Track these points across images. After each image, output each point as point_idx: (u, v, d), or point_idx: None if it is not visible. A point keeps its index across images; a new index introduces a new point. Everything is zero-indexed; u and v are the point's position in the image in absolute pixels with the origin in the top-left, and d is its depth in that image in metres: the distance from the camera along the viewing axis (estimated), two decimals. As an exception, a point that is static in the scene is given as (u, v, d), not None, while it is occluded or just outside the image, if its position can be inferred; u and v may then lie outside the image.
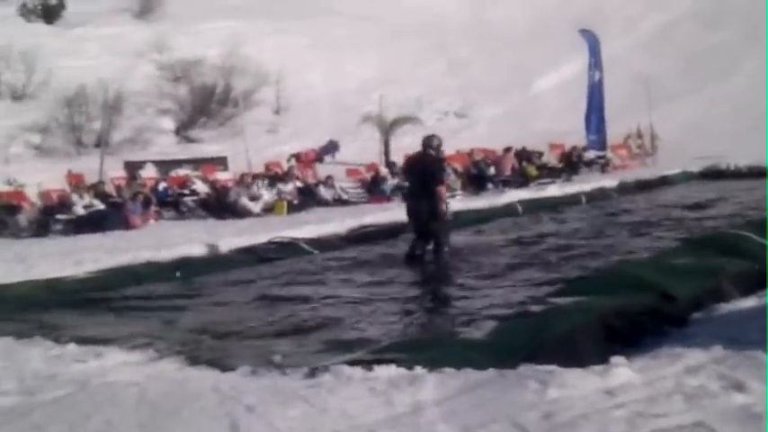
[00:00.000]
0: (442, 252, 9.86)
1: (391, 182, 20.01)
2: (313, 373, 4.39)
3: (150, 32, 41.30)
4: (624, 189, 19.16)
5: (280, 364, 4.76)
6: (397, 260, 10.39)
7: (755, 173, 20.55)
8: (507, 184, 20.57)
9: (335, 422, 3.57)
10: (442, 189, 9.93)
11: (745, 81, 34.50)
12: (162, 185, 19.43)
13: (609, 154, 25.58)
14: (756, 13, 39.11)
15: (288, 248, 11.71)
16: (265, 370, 4.63)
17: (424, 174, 9.88)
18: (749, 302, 5.64)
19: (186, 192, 19.16)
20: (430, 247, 10.13)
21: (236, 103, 36.70)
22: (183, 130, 38.56)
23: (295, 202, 18.16)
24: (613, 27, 39.03)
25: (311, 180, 21.49)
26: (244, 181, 18.67)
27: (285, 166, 24.72)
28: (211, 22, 44.57)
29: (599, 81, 26.63)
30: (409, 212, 10.26)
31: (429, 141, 10.11)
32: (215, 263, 10.69)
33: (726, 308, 5.54)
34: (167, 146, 35.70)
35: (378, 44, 44.73)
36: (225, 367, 4.77)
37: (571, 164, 23.92)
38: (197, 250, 11.10)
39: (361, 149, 32.20)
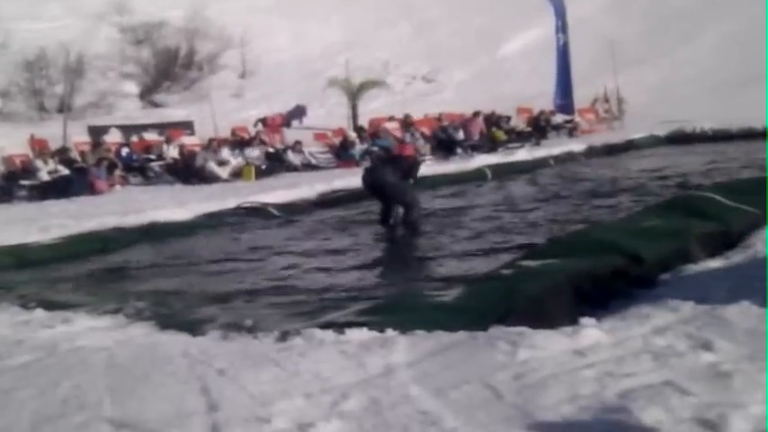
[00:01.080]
0: (412, 216, 9.98)
1: (360, 146, 19.95)
2: (284, 336, 4.37)
3: (110, -7, 40.48)
4: (592, 153, 19.30)
5: (251, 328, 4.74)
6: (368, 223, 10.41)
7: (720, 136, 20.87)
8: (476, 148, 20.59)
9: (307, 385, 3.56)
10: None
11: (710, 45, 34.73)
12: (125, 150, 19.17)
13: (576, 118, 25.68)
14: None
15: (257, 213, 11.68)
16: (236, 334, 4.60)
17: (397, 166, 10.26)
18: (715, 263, 5.69)
19: (153, 157, 18.96)
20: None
21: (200, 66, 36.33)
22: (147, 95, 38.06)
23: (263, 167, 18.06)
24: (579, -10, 39.00)
25: (279, 145, 21.37)
26: (211, 146, 18.51)
27: (252, 130, 24.53)
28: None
29: (564, 45, 26.66)
30: (364, 184, 10.39)
31: None
32: (183, 228, 10.61)
33: (693, 269, 5.57)
34: (132, 110, 35.24)
35: (341, 7, 44.28)
36: (195, 332, 4.74)
37: (539, 128, 24.01)
38: (164, 215, 11.01)
39: (329, 114, 32.03)
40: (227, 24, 38.01)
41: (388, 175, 10.03)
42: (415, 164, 10.84)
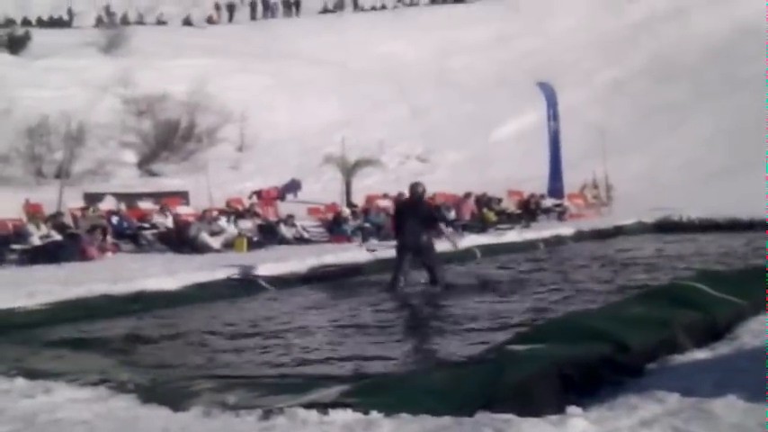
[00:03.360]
0: (439, 282, 11.12)
1: (352, 222, 20.04)
2: (267, 415, 4.30)
3: (116, 67, 41.14)
4: (580, 237, 19.42)
5: (234, 406, 4.67)
6: (355, 298, 10.41)
7: (706, 225, 21.07)
8: (467, 228, 20.69)
9: (288, 466, 3.51)
10: (443, 225, 12.65)
11: (696, 136, 35.35)
12: (115, 218, 19.15)
13: (566, 202, 25.94)
14: (706, 70, 40.29)
15: (247, 285, 11.65)
16: (219, 411, 4.53)
17: (421, 215, 11.38)
18: (702, 354, 5.66)
19: (146, 225, 18.99)
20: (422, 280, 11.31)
21: (199, 138, 36.70)
22: (145, 164, 38.33)
23: (255, 239, 18.08)
24: (570, 80, 39.89)
25: (272, 217, 21.46)
26: (205, 216, 18.57)
27: (246, 202, 24.66)
28: (177, 60, 44.67)
29: (555, 132, 27.17)
30: (405, 246, 11.29)
31: (416, 188, 11.68)
32: (173, 297, 10.56)
33: (679, 359, 5.53)
34: (129, 179, 35.45)
35: (340, 88, 45.17)
36: (177, 407, 4.66)
37: (529, 211, 24.21)
38: (154, 284, 10.97)
39: (323, 189, 32.31)
40: (228, 100, 38.62)
41: (424, 238, 11.15)
42: (431, 208, 12.38)
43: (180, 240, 17.42)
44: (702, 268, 10.76)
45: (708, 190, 26.38)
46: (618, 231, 20.80)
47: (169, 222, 18.98)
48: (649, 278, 11.60)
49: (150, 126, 38.86)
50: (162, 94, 38.56)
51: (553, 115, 27.49)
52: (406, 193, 23.53)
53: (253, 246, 17.46)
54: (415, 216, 11.26)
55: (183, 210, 20.89)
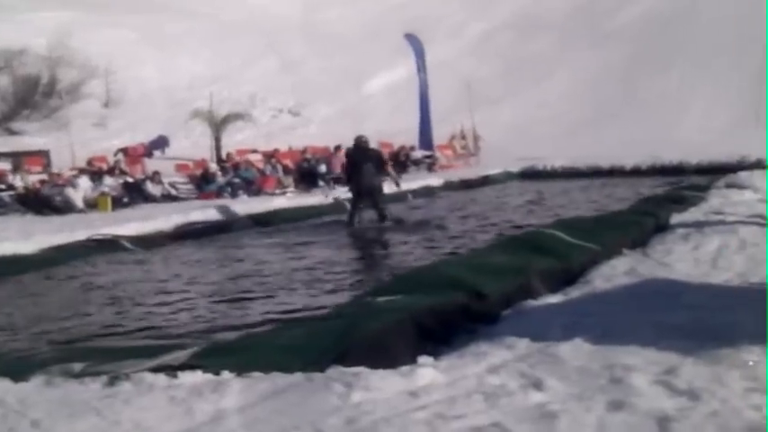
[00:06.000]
0: (386, 216, 12.64)
1: (221, 178, 19.65)
2: (112, 381, 4.13)
3: (-30, 20, 38.61)
4: (450, 187, 19.74)
5: (79, 373, 4.45)
6: (225, 256, 10.21)
7: (569, 173, 21.92)
8: (338, 181, 20.62)
9: (127, 435, 3.37)
10: (390, 167, 14.20)
11: (560, 88, 36.37)
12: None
13: (436, 154, 26.25)
14: (570, 23, 41.42)
15: (107, 246, 11.25)
16: (62, 380, 4.31)
17: (373, 160, 12.87)
18: (555, 299, 5.79)
19: (2, 186, 18.05)
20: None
21: (61, 95, 35.10)
22: (4, 122, 36.49)
23: (125, 199, 17.50)
24: (439, 33, 40.14)
25: (139, 175, 20.79)
26: (65, 175, 17.80)
27: (111, 160, 23.83)
28: (36, 12, 42.38)
29: (424, 84, 27.32)
30: (359, 189, 12.73)
31: (360, 139, 13.17)
32: (28, 262, 10.07)
33: (533, 304, 5.62)
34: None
35: (210, 40, 44.04)
36: (18, 378, 4.41)
37: (400, 163, 24.34)
38: (9, 248, 10.44)
39: (194, 145, 31.57)
40: (91, 54, 36.97)
41: (377, 181, 12.67)
42: (381, 153, 14.05)
43: (39, 201, 16.66)
44: (560, 216, 11.06)
45: (573, 140, 27.29)
46: (485, 181, 21.28)
47: (27, 182, 18.09)
48: (508, 225, 11.90)
49: (9, 82, 37.04)
50: (21, 49, 36.69)
51: (422, 67, 27.61)
52: (282, 148, 23.66)
53: (118, 204, 16.89)
54: (367, 161, 12.69)
55: (35, 177, 19.76)
